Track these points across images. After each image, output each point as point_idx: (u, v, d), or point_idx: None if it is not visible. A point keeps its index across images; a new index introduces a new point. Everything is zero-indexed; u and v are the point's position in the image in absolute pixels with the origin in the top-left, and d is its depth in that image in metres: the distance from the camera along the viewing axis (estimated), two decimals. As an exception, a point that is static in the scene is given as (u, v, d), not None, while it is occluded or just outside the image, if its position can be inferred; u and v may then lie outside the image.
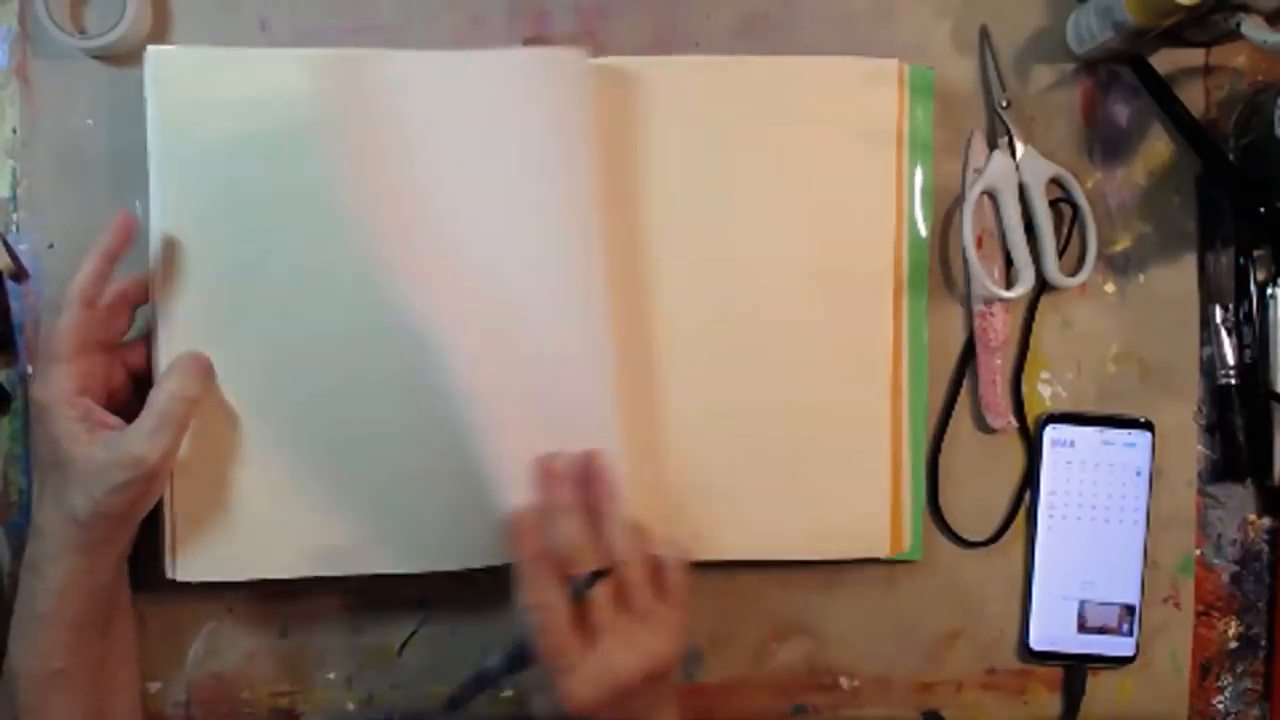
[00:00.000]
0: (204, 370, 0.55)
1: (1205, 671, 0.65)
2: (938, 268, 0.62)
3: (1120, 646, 0.63)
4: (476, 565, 0.58)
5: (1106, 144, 0.63)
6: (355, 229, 0.52)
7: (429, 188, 0.54)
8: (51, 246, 0.60)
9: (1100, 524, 0.63)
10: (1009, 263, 0.62)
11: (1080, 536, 0.63)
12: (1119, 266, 0.63)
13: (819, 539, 0.61)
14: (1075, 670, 0.63)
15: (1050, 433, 0.63)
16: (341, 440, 0.57)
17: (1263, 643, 0.65)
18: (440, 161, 0.54)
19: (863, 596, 0.63)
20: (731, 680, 0.63)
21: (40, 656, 0.52)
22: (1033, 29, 0.63)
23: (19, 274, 0.60)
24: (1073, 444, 0.63)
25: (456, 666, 0.61)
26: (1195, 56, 0.63)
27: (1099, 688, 0.64)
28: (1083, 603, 0.63)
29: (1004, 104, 0.62)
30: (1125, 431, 0.63)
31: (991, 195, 0.62)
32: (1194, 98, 0.63)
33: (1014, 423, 0.63)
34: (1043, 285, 0.62)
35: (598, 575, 0.51)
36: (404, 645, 0.62)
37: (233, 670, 0.61)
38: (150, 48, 0.56)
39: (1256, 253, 0.63)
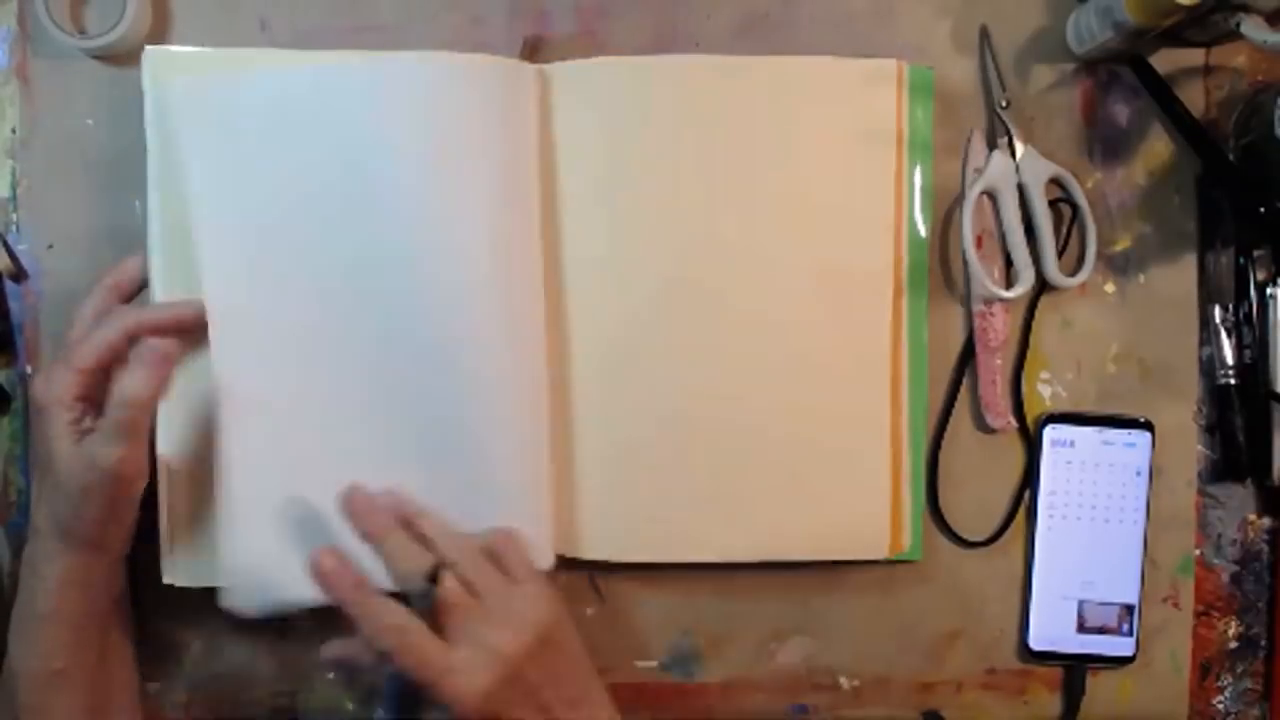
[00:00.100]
0: (160, 363, 0.51)
1: (1205, 671, 0.65)
2: (938, 268, 0.62)
3: (1120, 646, 0.63)
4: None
5: (1106, 144, 0.63)
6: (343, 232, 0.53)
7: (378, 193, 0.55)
8: (51, 247, 0.60)
9: (1100, 524, 0.63)
10: (1009, 263, 0.62)
11: (1080, 536, 0.63)
12: (1119, 266, 0.63)
13: (819, 539, 0.61)
14: (1075, 670, 0.63)
15: (1050, 433, 0.63)
16: (343, 445, 0.57)
17: (1263, 643, 0.65)
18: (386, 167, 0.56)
19: (863, 596, 0.63)
20: (731, 680, 0.63)
21: (39, 656, 0.52)
22: (1033, 29, 0.63)
23: (18, 274, 0.60)
24: (1073, 444, 0.63)
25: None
26: (1195, 56, 0.63)
27: (1099, 688, 0.64)
28: (1082, 603, 0.63)
29: (1004, 104, 0.62)
30: (1125, 431, 0.63)
31: (991, 195, 0.62)
32: (1194, 98, 0.63)
33: (1014, 423, 0.63)
34: (1042, 285, 0.62)
35: (429, 584, 0.49)
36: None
37: (233, 670, 0.61)
38: (148, 48, 0.56)
39: (1256, 253, 0.63)
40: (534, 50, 0.61)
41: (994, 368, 0.62)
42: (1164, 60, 0.62)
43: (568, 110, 0.59)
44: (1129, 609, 0.63)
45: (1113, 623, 0.63)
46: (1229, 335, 0.63)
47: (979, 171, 0.61)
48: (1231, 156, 0.62)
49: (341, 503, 0.53)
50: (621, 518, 0.60)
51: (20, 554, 0.53)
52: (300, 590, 0.52)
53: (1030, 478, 0.63)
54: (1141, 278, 0.63)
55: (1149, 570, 0.63)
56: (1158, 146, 0.63)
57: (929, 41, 0.62)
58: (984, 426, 0.63)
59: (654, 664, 0.63)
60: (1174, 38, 0.61)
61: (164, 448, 0.56)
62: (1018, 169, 0.61)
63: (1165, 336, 0.63)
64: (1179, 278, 0.63)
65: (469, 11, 0.61)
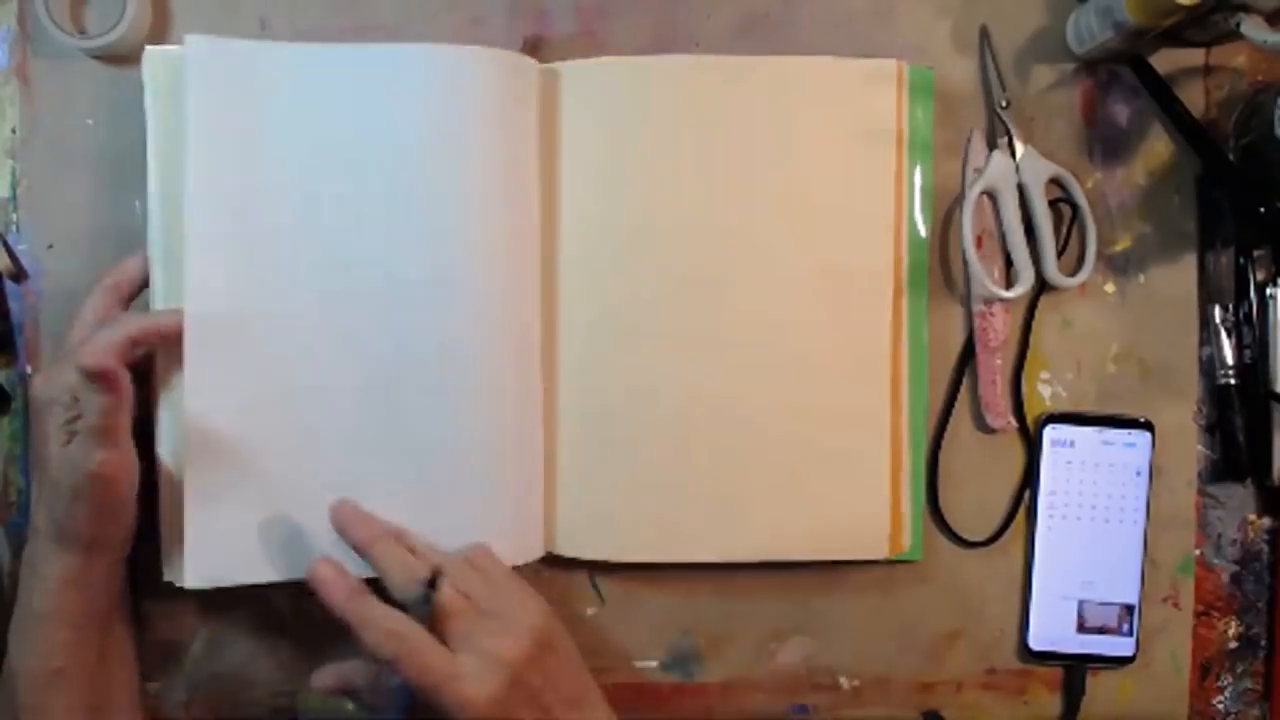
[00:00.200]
0: (107, 374, 0.49)
1: (1205, 671, 0.65)
2: (938, 268, 0.62)
3: (1120, 646, 0.63)
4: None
5: (1106, 144, 0.63)
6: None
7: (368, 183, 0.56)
8: (51, 247, 0.60)
9: (1100, 524, 0.63)
10: (1009, 263, 0.62)
11: (1080, 536, 0.63)
12: (1119, 266, 0.63)
13: (819, 539, 0.61)
14: (1075, 670, 0.63)
15: (1050, 433, 0.63)
16: (342, 441, 0.57)
17: (1263, 643, 0.65)
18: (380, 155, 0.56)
19: (863, 596, 0.63)
20: (731, 680, 0.63)
21: (39, 656, 0.52)
22: (1033, 29, 0.63)
23: (18, 274, 0.60)
24: (1073, 444, 0.63)
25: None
26: (1195, 56, 0.63)
27: (1099, 688, 0.64)
28: (1082, 603, 0.63)
29: (1004, 104, 0.62)
30: (1125, 431, 0.63)
31: (991, 195, 0.62)
32: (1194, 98, 0.63)
33: (1014, 423, 0.63)
34: (1042, 285, 0.62)
35: (429, 589, 0.49)
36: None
37: (233, 670, 0.61)
38: (149, 48, 0.56)
39: (1256, 253, 0.63)
40: (534, 50, 0.61)
41: (994, 368, 0.62)
42: (1164, 60, 0.62)
43: (568, 110, 0.59)
44: (1129, 609, 0.63)
45: (1113, 623, 0.63)
46: (1229, 335, 0.63)
47: (979, 171, 0.61)
48: (1231, 156, 0.62)
49: (332, 514, 0.54)
50: (622, 518, 0.60)
51: (20, 554, 0.53)
52: (259, 570, 0.55)
53: (1030, 478, 0.63)
54: (1141, 278, 0.63)
55: (1149, 570, 0.63)
56: (1158, 146, 0.63)
57: (929, 41, 0.62)
58: (984, 426, 0.63)
59: (654, 664, 0.63)
60: (1174, 38, 0.61)
61: (163, 448, 0.56)
62: (1018, 169, 0.61)
63: (1165, 336, 0.63)
64: (1179, 278, 0.63)
65: (469, 11, 0.61)
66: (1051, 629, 0.63)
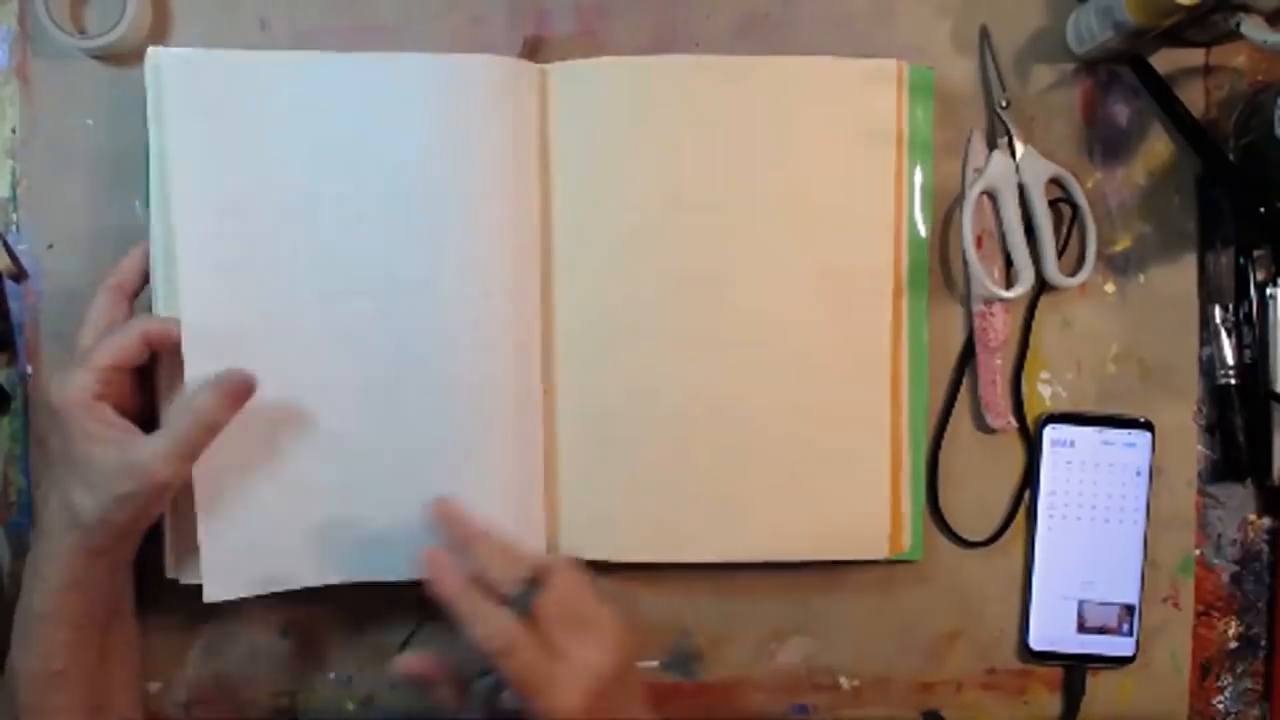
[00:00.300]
0: (239, 394, 0.52)
1: (1205, 671, 0.65)
2: (938, 268, 0.62)
3: (1120, 646, 0.63)
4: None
5: (1106, 144, 0.63)
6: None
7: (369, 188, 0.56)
8: (51, 246, 0.60)
9: (1100, 524, 0.63)
10: (1009, 263, 0.62)
11: (1080, 536, 0.63)
12: (1119, 266, 0.63)
13: (819, 539, 0.61)
14: (1075, 670, 0.63)
15: (1050, 433, 0.63)
16: (346, 444, 0.57)
17: (1263, 643, 0.65)
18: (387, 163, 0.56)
19: (863, 596, 0.63)
20: (731, 680, 0.63)
21: (40, 657, 0.52)
22: (1033, 29, 0.63)
23: (19, 274, 0.60)
24: (1073, 444, 0.63)
25: (456, 667, 0.61)
26: (1195, 56, 0.63)
27: (1099, 688, 0.64)
28: (1082, 602, 0.63)
29: (1004, 104, 0.62)
30: (1125, 431, 0.63)
31: (991, 195, 0.62)
32: (1194, 98, 0.63)
33: (1014, 423, 0.63)
34: (1042, 285, 0.62)
35: (529, 591, 0.49)
36: (404, 645, 0.62)
37: (233, 670, 0.61)
38: (150, 49, 0.56)
39: (1256, 253, 0.63)
40: (534, 50, 0.61)
41: (994, 368, 0.62)
42: (1164, 60, 0.62)
43: (568, 110, 0.59)
44: (1129, 609, 0.63)
45: (1113, 623, 0.63)
46: (1229, 335, 0.63)
47: (979, 171, 0.61)
48: (1231, 156, 0.62)
49: (431, 512, 0.53)
50: (622, 518, 0.60)
51: (20, 554, 0.53)
52: (281, 577, 0.56)
53: (1030, 478, 0.63)
54: (1141, 278, 0.63)
55: (1149, 570, 0.63)
56: (1158, 146, 0.63)
57: (929, 41, 0.62)
58: (984, 426, 0.63)
59: (654, 664, 0.63)
60: (1174, 38, 0.61)
61: None
62: (1018, 169, 0.61)
63: (1165, 336, 0.63)
64: (1179, 278, 0.63)
65: (469, 11, 0.61)
66: (1051, 629, 0.63)
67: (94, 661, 0.54)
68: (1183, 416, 0.63)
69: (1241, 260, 0.63)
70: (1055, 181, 0.62)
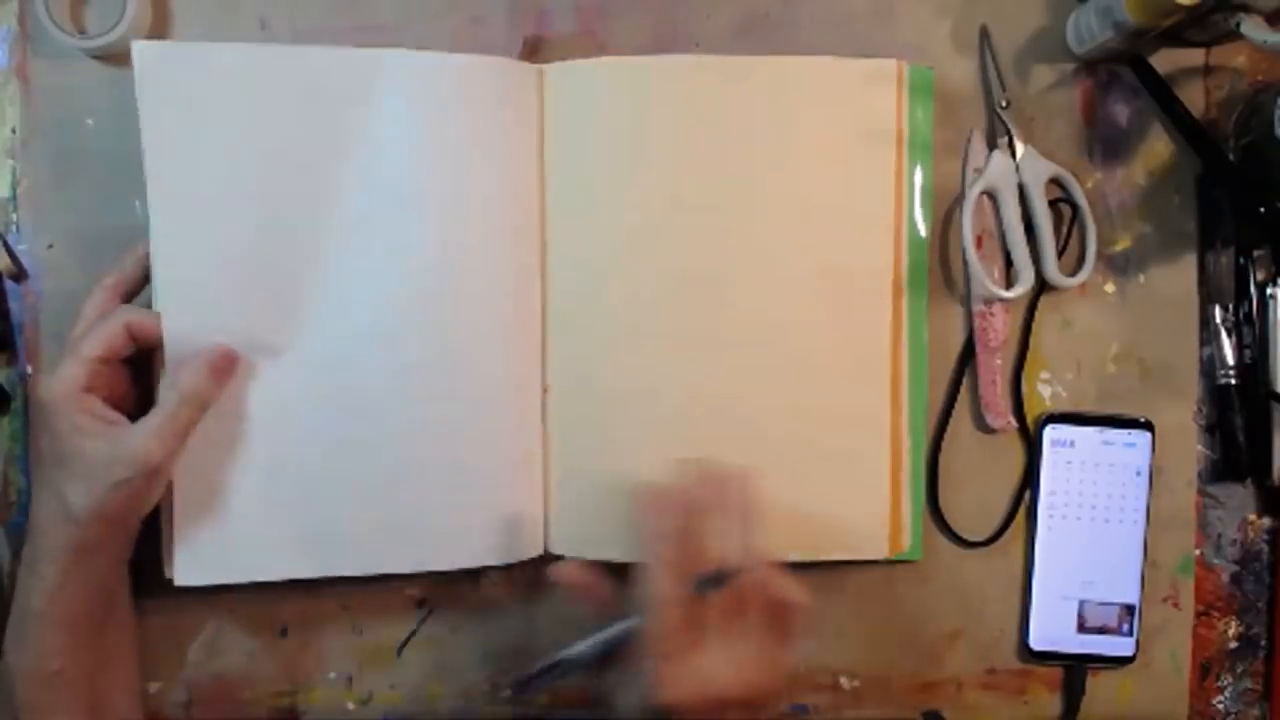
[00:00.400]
0: (221, 369, 0.53)
1: (1205, 671, 0.65)
2: (938, 268, 0.62)
3: (1120, 646, 0.63)
4: (476, 565, 0.59)
5: (1106, 144, 0.63)
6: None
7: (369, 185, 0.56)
8: (51, 246, 0.60)
9: (1100, 524, 0.63)
10: (1009, 263, 0.62)
11: (1080, 536, 0.63)
12: (1119, 266, 0.63)
13: (819, 539, 0.61)
14: (1075, 670, 0.63)
15: (1050, 433, 0.63)
16: (341, 439, 0.57)
17: (1263, 643, 0.65)
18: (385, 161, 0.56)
19: (863, 596, 0.63)
20: (731, 680, 0.63)
21: (37, 657, 0.52)
22: (1033, 29, 0.63)
23: (19, 274, 0.60)
24: (1073, 444, 0.63)
25: (456, 667, 0.62)
26: (1195, 56, 0.63)
27: (1099, 688, 0.64)
28: (1082, 602, 0.63)
29: (1004, 104, 0.62)
30: (1125, 431, 0.63)
31: (991, 195, 0.62)
32: (1194, 98, 0.63)
33: (1014, 423, 0.63)
34: (1042, 285, 0.62)
35: (720, 579, 0.49)
36: (404, 645, 0.62)
37: (233, 670, 0.61)
38: (136, 43, 0.55)
39: (1256, 253, 0.63)
40: (534, 50, 0.61)
41: (994, 368, 0.62)
42: (1164, 60, 0.62)
43: (568, 110, 0.59)
44: (1129, 609, 0.63)
45: (1113, 623, 0.63)
46: (1229, 335, 0.63)
47: (979, 171, 0.61)
48: (1231, 156, 0.62)
49: (638, 498, 0.53)
50: (622, 518, 0.60)
51: (20, 554, 0.53)
52: (256, 568, 0.56)
53: (1030, 478, 0.63)
54: (1141, 278, 0.63)
55: (1149, 570, 0.63)
56: (1158, 146, 0.63)
57: (929, 41, 0.62)
58: (984, 426, 0.63)
59: (654, 664, 0.63)
60: (1174, 38, 0.61)
61: None
62: (1018, 169, 0.61)
63: (1165, 336, 0.63)
64: (1179, 278, 0.63)
65: (469, 11, 0.61)
66: (1052, 629, 0.63)
67: (92, 662, 0.54)
68: (1183, 416, 0.63)
69: (1241, 260, 0.63)
70: (1055, 181, 0.62)
